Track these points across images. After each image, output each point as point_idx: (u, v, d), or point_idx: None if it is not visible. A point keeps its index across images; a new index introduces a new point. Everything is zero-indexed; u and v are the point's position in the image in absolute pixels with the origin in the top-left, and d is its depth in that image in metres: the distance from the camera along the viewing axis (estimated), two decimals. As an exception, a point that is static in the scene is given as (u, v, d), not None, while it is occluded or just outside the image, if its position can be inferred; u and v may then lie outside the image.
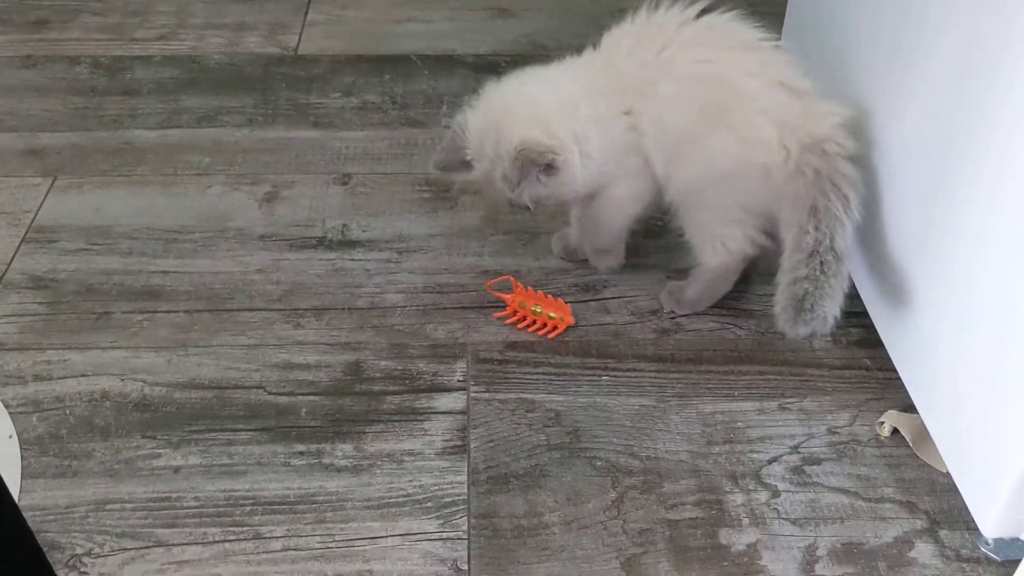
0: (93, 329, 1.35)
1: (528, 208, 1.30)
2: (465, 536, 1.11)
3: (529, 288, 1.39)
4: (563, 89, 1.29)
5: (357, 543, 1.10)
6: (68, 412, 1.24)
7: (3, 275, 1.42)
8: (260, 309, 1.38)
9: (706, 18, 1.26)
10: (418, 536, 1.11)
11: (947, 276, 1.11)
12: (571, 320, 1.36)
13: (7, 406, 1.24)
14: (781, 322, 1.22)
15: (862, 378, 1.31)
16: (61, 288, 1.41)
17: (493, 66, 1.88)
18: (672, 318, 1.39)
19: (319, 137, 1.71)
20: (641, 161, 1.30)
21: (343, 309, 1.38)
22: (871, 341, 1.33)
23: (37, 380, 1.28)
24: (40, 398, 1.25)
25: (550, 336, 1.35)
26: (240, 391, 1.27)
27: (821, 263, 1.18)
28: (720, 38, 1.26)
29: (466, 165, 1.31)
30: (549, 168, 1.25)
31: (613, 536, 1.12)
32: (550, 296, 1.38)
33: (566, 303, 1.38)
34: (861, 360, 1.33)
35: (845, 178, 1.19)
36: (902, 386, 1.24)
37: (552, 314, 1.35)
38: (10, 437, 1.20)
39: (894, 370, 1.26)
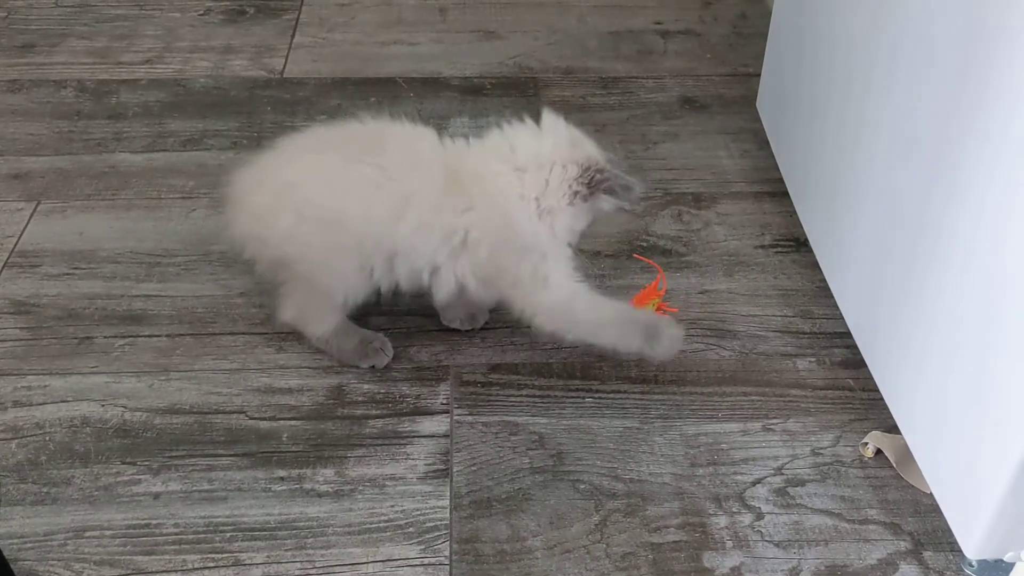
0: (74, 354, 1.34)
1: None
2: (447, 562, 1.10)
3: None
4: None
5: (338, 569, 1.09)
6: (48, 438, 1.23)
7: (-15, 300, 1.42)
8: (243, 333, 1.38)
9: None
10: (399, 562, 1.10)
11: (931, 298, 1.11)
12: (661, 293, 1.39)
13: (-14, 432, 1.23)
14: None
15: (845, 399, 1.30)
16: (43, 313, 1.40)
17: (479, 88, 1.89)
18: (656, 339, 1.38)
19: (304, 160, 1.71)
20: None
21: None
22: (854, 362, 1.33)
23: (17, 406, 1.27)
24: (20, 424, 1.24)
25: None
26: (221, 416, 1.26)
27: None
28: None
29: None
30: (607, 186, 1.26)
31: (596, 560, 1.11)
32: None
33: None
34: (844, 381, 1.33)
35: None
36: (885, 407, 1.24)
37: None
38: (-11, 464, 1.19)
39: (877, 391, 1.26)
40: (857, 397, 1.30)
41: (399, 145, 1.27)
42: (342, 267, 1.25)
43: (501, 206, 1.22)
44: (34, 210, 1.58)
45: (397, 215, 1.21)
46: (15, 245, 1.51)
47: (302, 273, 1.27)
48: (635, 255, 1.50)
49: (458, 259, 1.24)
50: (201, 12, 2.13)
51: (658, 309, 1.37)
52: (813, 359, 1.36)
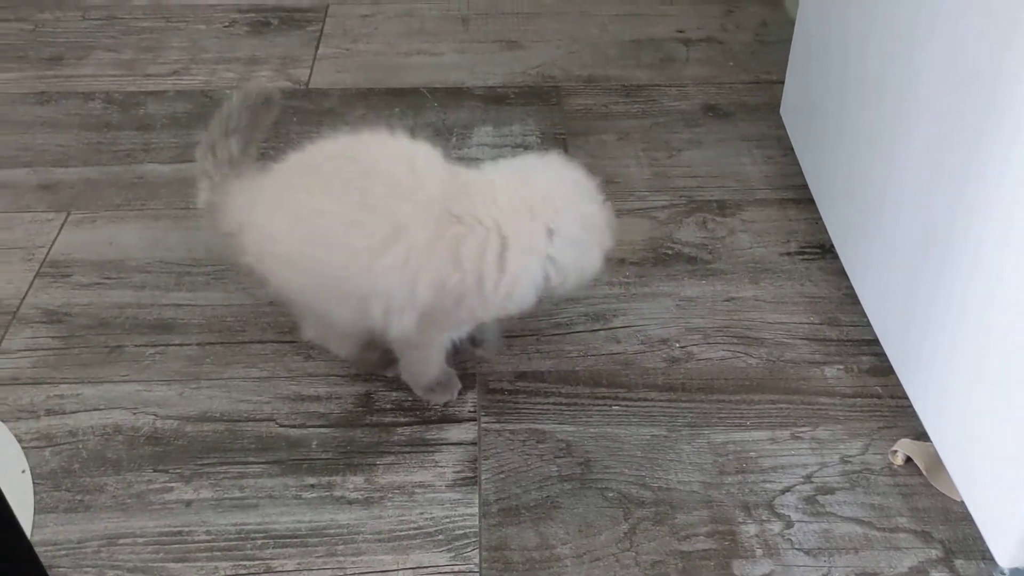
0: (106, 363, 1.35)
1: None
2: (477, 569, 1.11)
3: None
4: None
5: (368, 576, 1.10)
6: (80, 446, 1.24)
7: (17, 309, 1.44)
8: (271, 341, 1.39)
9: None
10: (430, 569, 1.11)
11: (960, 304, 1.10)
12: None
13: (20, 441, 1.24)
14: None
15: (874, 406, 1.30)
16: (74, 322, 1.42)
17: (502, 98, 1.90)
18: (682, 347, 1.38)
19: (330, 169, 1.72)
20: None
21: (354, 341, 1.39)
22: (882, 369, 1.33)
23: (50, 414, 1.28)
24: (53, 432, 1.26)
25: None
26: (252, 424, 1.27)
27: None
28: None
29: None
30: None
31: (625, 568, 1.11)
32: None
33: None
34: (873, 388, 1.32)
35: None
36: (914, 414, 1.23)
37: None
38: (23, 472, 1.20)
39: (906, 398, 1.26)
40: (885, 404, 1.30)
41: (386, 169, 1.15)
42: (326, 305, 1.18)
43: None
44: (64, 220, 1.60)
45: (376, 252, 1.11)
46: (46, 255, 1.53)
47: (300, 304, 1.24)
48: None
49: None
50: (226, 24, 2.15)
51: None
52: (841, 366, 1.35)
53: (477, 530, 1.15)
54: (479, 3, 2.23)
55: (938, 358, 1.17)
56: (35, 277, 1.49)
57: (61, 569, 1.10)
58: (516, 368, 1.36)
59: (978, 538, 1.11)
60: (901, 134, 1.22)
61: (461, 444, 1.25)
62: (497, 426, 1.28)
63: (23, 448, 1.24)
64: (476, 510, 1.17)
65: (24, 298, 1.45)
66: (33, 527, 1.14)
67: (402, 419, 1.28)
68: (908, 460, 1.22)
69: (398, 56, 2.05)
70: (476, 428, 1.27)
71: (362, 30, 2.13)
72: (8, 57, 2.02)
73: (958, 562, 1.12)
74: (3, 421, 1.27)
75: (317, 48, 2.07)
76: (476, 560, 1.12)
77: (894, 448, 1.23)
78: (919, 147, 1.18)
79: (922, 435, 1.22)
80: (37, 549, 1.09)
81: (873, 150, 1.30)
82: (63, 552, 1.12)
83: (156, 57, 2.03)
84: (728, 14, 2.20)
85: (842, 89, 1.42)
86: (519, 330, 1.40)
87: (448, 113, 1.87)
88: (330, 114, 1.86)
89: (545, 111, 1.87)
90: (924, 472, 1.20)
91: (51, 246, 1.55)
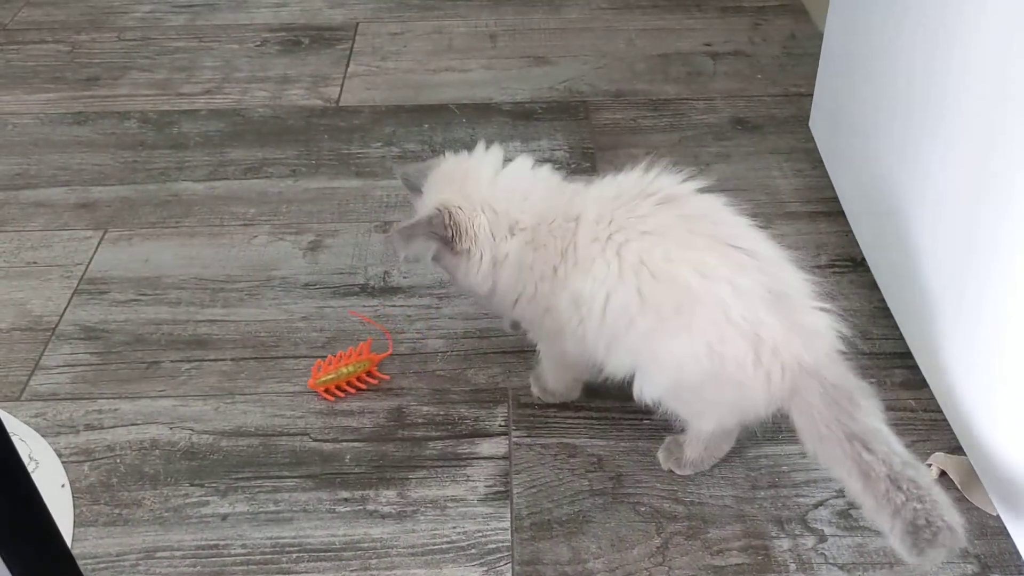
0: (143, 378, 1.38)
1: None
2: (509, 583, 1.11)
3: (338, 354, 1.34)
4: (528, 200, 1.17)
5: (402, 590, 1.11)
6: (118, 461, 1.26)
7: (56, 326, 1.46)
8: (305, 356, 1.41)
9: (686, 200, 1.11)
10: (462, 583, 1.11)
11: (995, 317, 1.10)
12: (377, 357, 1.34)
13: (60, 455, 1.27)
14: (915, 557, 0.97)
15: (907, 420, 1.29)
16: (112, 338, 1.44)
17: (530, 113, 1.91)
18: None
19: (361, 186, 1.74)
20: (558, 327, 1.16)
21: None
22: (915, 382, 1.32)
23: (88, 429, 1.30)
24: (92, 447, 1.28)
25: (374, 381, 1.34)
26: (286, 438, 1.29)
27: (911, 477, 0.98)
28: (690, 230, 1.08)
29: (419, 192, 1.23)
30: (448, 244, 1.15)
31: (658, 582, 1.11)
32: (352, 348, 1.35)
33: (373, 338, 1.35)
34: (906, 402, 1.32)
35: (859, 394, 1.04)
36: (948, 428, 1.23)
37: (356, 366, 1.32)
38: (63, 486, 1.22)
39: (939, 411, 1.25)
40: (919, 418, 1.29)
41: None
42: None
43: None
44: (101, 238, 1.63)
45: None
46: (84, 272, 1.56)
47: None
48: (352, 312, 1.41)
49: None
50: (258, 43, 2.19)
51: (362, 379, 1.34)
52: (873, 380, 1.32)
53: (510, 544, 1.15)
54: (507, 19, 2.25)
55: (973, 371, 1.16)
56: (73, 294, 1.52)
57: (100, 582, 1.12)
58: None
59: (1014, 553, 1.10)
60: (933, 145, 1.21)
61: (493, 458, 1.26)
62: (528, 440, 1.28)
63: (62, 462, 1.26)
64: (508, 524, 1.18)
65: (63, 315, 1.48)
66: (73, 540, 1.16)
67: (434, 433, 1.29)
68: (943, 474, 1.21)
69: (427, 73, 2.07)
70: (507, 442, 1.28)
71: (391, 48, 2.16)
72: (46, 78, 2.07)
73: (995, 577, 1.11)
74: (43, 436, 1.29)
75: (347, 66, 2.10)
76: (509, 574, 1.12)
77: (928, 462, 1.22)
78: (951, 158, 1.17)
79: (956, 449, 1.21)
80: (77, 562, 1.11)
81: (904, 161, 1.30)
82: (102, 565, 1.14)
83: (189, 77, 2.07)
84: (755, 27, 2.20)
85: (872, 101, 1.42)
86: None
87: (476, 129, 1.88)
88: (360, 131, 1.88)
89: (573, 126, 1.88)
90: (959, 486, 1.19)
91: (88, 263, 1.58)
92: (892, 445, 1.00)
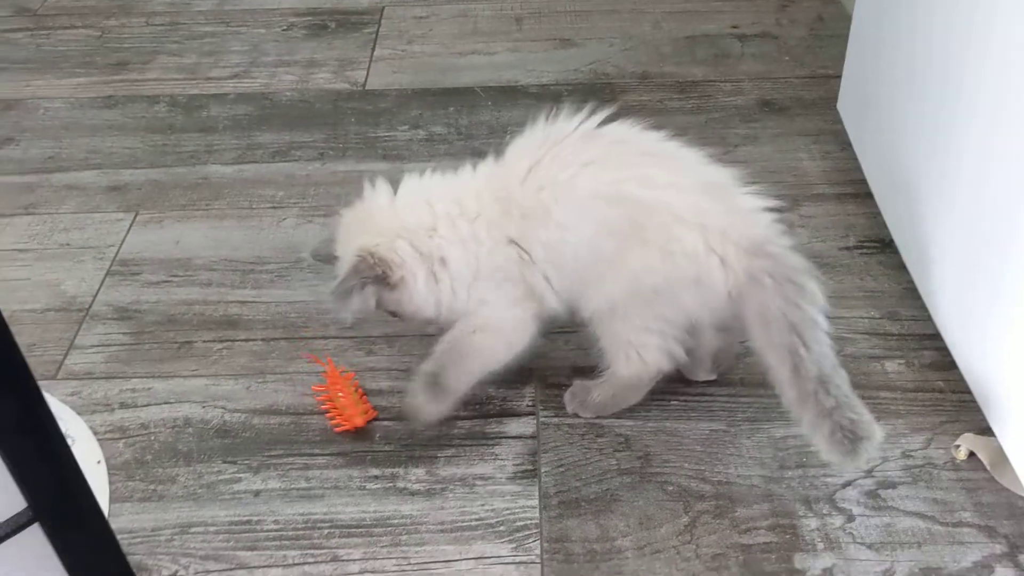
0: (175, 358, 1.40)
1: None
2: (538, 560, 1.12)
3: (346, 374, 1.33)
4: (434, 205, 1.21)
5: (432, 566, 1.12)
6: (153, 438, 1.28)
7: (90, 307, 1.48)
8: (334, 337, 1.42)
9: (606, 130, 1.19)
10: (492, 560, 1.13)
11: (1023, 297, 1.09)
12: (359, 422, 1.27)
13: (95, 433, 1.29)
14: (838, 458, 1.09)
15: (936, 401, 1.29)
16: (144, 319, 1.46)
17: (556, 96, 1.91)
18: (741, 342, 1.38)
19: (388, 169, 1.74)
20: (523, 291, 1.21)
21: (413, 335, 1.41)
22: (944, 363, 1.32)
23: (123, 408, 1.33)
24: (126, 425, 1.30)
25: (332, 426, 1.28)
26: (316, 416, 1.30)
27: (837, 384, 1.08)
28: (622, 152, 1.18)
29: (336, 259, 1.25)
30: (383, 281, 1.19)
31: (686, 561, 1.12)
32: (359, 390, 1.32)
33: (370, 405, 1.30)
34: (935, 383, 1.31)
35: (805, 276, 1.11)
36: (977, 409, 1.22)
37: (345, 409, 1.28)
38: (98, 463, 1.25)
39: (968, 392, 1.25)
40: (948, 399, 1.29)
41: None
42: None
43: None
44: (133, 220, 1.65)
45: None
46: (116, 254, 1.58)
47: None
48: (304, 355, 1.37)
49: None
50: (285, 27, 2.20)
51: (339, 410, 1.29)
52: (902, 361, 1.34)
53: (538, 522, 1.16)
54: (532, 2, 2.25)
55: (1002, 352, 1.15)
56: (106, 275, 1.54)
57: (136, 556, 1.14)
58: (573, 363, 1.37)
59: (1045, 533, 1.10)
60: (963, 126, 1.21)
61: (520, 438, 1.27)
62: (556, 420, 1.29)
63: (98, 440, 1.28)
64: (536, 502, 1.19)
65: (96, 296, 1.50)
66: (109, 515, 1.18)
67: (462, 413, 1.30)
68: (971, 455, 1.21)
69: (452, 56, 2.08)
70: (535, 422, 1.29)
71: (417, 31, 2.16)
72: (77, 63, 2.09)
73: (1023, 557, 1.11)
74: (79, 414, 1.31)
75: (373, 50, 2.10)
76: (537, 551, 1.13)
77: (957, 443, 1.22)
78: (983, 140, 1.16)
79: (986, 430, 1.21)
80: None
81: (934, 143, 1.29)
82: (138, 540, 1.16)
83: (218, 61, 2.08)
84: (783, 9, 2.19)
85: (901, 82, 1.41)
86: (575, 325, 1.41)
87: (502, 112, 1.89)
88: (387, 114, 1.89)
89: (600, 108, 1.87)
90: (988, 467, 1.19)
91: (120, 245, 1.60)
92: (827, 350, 1.09)
